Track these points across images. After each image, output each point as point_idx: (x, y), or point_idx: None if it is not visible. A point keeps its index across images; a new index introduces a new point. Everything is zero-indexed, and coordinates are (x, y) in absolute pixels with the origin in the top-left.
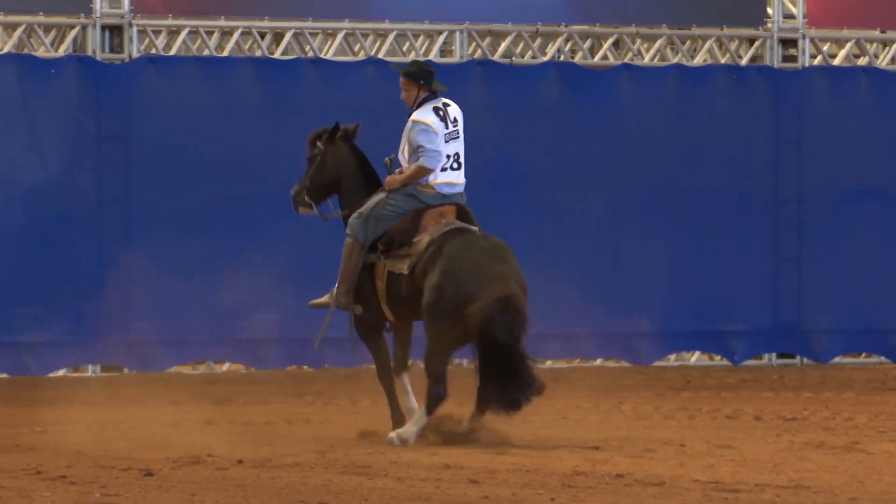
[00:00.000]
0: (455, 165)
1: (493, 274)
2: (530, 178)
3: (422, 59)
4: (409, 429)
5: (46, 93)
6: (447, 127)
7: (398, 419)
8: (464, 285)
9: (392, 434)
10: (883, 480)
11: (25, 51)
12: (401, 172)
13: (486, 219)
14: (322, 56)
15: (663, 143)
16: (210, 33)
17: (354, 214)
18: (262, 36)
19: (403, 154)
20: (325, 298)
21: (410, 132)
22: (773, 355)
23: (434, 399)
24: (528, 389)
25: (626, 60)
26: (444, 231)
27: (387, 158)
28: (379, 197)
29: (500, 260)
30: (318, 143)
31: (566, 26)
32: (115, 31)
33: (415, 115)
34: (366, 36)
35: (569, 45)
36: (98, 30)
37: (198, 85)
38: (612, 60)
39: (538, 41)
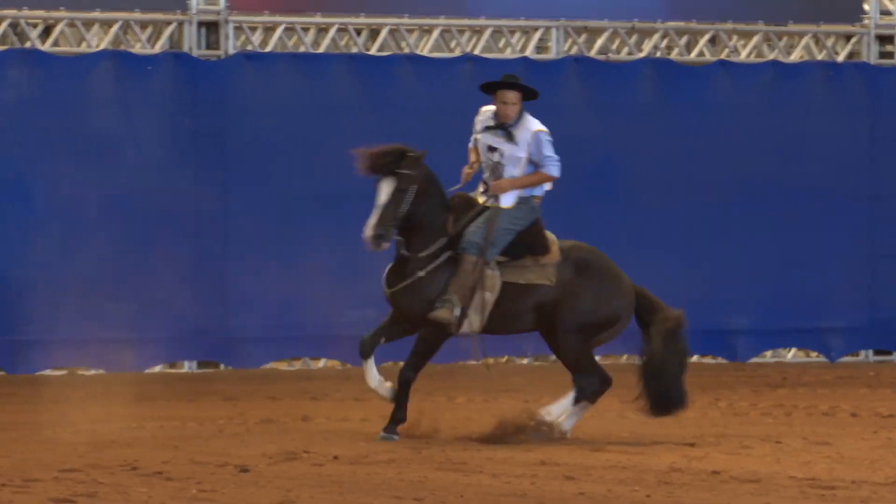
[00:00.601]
0: None
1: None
2: (627, 176)
3: (518, 55)
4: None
5: (143, 89)
6: None
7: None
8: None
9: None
10: None
11: (122, 47)
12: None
13: (582, 216)
14: (418, 53)
15: (760, 140)
16: (306, 30)
17: (475, 231)
18: (358, 32)
19: (502, 161)
20: (443, 312)
21: (535, 142)
22: (870, 352)
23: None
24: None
25: (722, 57)
26: (563, 243)
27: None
28: (489, 212)
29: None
30: (405, 170)
31: (662, 23)
32: (211, 28)
33: (539, 126)
34: (462, 32)
35: (665, 42)
36: (194, 26)
37: (293, 81)
38: (708, 57)
39: (634, 38)
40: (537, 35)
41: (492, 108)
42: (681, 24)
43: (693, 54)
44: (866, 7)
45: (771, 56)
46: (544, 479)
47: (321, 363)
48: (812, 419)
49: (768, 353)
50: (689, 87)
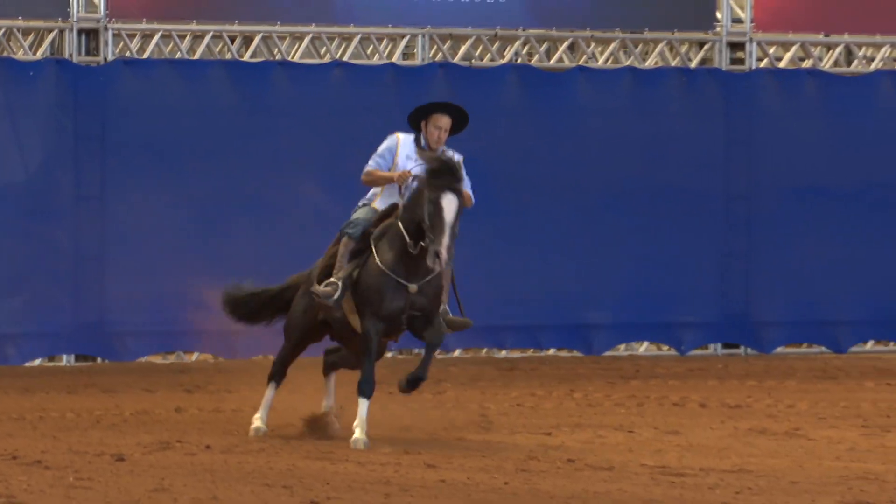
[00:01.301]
0: None
1: None
2: (492, 177)
3: (385, 61)
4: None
5: (26, 94)
6: None
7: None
8: None
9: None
10: (823, 465)
11: (5, 54)
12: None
13: None
14: (289, 59)
15: (619, 143)
16: (182, 37)
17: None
18: (232, 39)
19: None
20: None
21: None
22: (719, 345)
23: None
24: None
25: (580, 63)
26: None
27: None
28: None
29: None
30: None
31: (524, 30)
32: (91, 35)
33: (459, 156)
34: (331, 39)
35: (526, 49)
36: (75, 33)
37: (171, 86)
38: (567, 63)
39: (497, 44)
40: (404, 42)
41: (407, 135)
42: (541, 31)
43: (553, 61)
44: (718, 15)
45: (627, 62)
46: (407, 468)
47: (194, 357)
48: (663, 409)
49: (622, 347)
50: (551, 91)
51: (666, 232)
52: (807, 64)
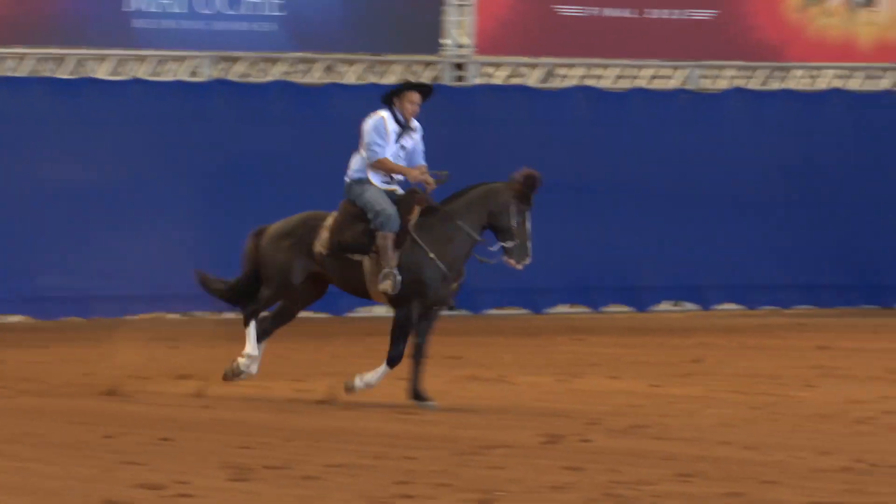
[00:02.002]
0: None
1: None
2: (265, 175)
3: (175, 79)
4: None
5: None
6: None
7: None
8: None
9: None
10: (523, 404)
11: None
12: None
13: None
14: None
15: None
16: (4, 59)
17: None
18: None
19: (405, 156)
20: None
21: (420, 134)
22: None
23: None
24: None
25: (335, 81)
26: None
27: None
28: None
29: None
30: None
31: (287, 52)
32: None
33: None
34: (129, 60)
35: (290, 68)
36: None
37: None
38: (323, 80)
39: (264, 64)
40: (193, 63)
41: (385, 112)
42: (302, 53)
43: (312, 78)
44: (444, 41)
45: (372, 80)
46: (188, 409)
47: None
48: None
49: (360, 309)
50: (309, 104)
51: None
52: (516, 81)
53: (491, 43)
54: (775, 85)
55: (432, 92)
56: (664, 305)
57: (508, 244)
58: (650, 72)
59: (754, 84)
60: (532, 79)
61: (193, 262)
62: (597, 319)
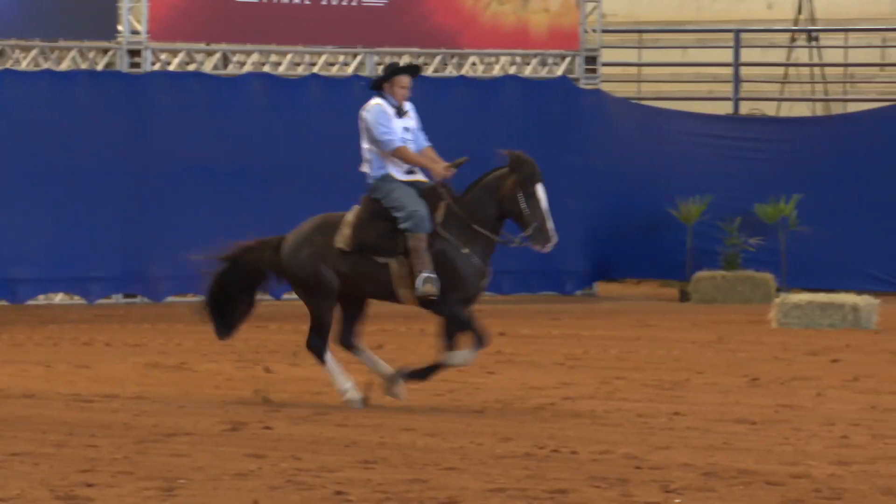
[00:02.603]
0: None
1: None
2: None
3: None
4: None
5: None
6: None
7: None
8: None
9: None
10: (205, 392)
11: None
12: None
13: None
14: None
15: (43, 133)
16: None
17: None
18: None
19: (412, 137)
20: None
21: (415, 112)
22: (121, 295)
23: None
24: None
25: (7, 67)
26: None
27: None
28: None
29: None
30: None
31: None
32: None
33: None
34: None
35: None
36: None
37: None
38: None
39: None
40: None
41: (381, 99)
42: None
43: None
44: (119, 27)
45: (46, 66)
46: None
47: None
48: (75, 348)
49: (42, 297)
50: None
51: (76, 202)
52: (192, 67)
53: (165, 29)
54: (451, 72)
55: (420, 71)
56: None
57: (528, 231)
58: (327, 58)
59: (429, 71)
60: (208, 65)
61: None
62: (278, 306)
